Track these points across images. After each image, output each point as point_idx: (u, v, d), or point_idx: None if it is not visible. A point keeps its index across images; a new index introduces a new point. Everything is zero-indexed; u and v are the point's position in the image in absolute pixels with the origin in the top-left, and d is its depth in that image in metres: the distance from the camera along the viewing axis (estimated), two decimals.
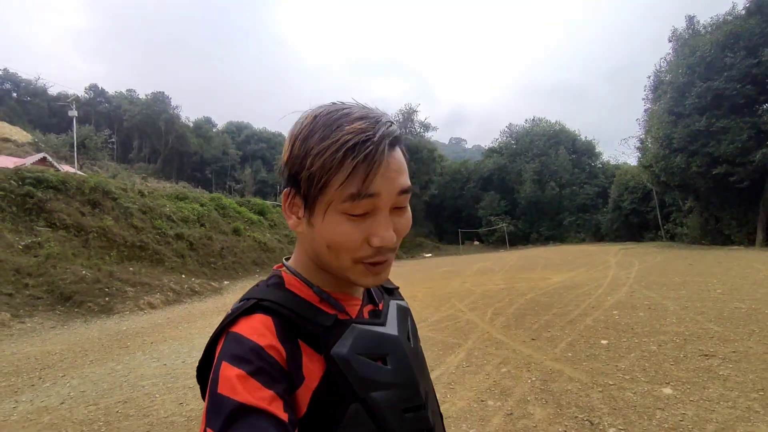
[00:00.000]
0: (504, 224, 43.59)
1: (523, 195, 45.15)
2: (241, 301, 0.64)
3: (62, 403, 4.45)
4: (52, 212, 13.72)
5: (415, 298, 10.03)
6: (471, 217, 48.33)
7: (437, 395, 3.18)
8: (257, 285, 0.69)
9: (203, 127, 69.59)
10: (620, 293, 8.63)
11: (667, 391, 3.67)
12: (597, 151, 49.73)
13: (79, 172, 22.46)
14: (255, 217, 25.62)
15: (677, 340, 5.07)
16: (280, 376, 0.55)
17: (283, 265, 0.72)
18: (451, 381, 4.15)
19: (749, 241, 18.67)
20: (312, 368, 0.59)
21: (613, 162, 47.31)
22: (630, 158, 35.88)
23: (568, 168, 45.37)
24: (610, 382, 3.94)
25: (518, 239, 44.27)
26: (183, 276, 14.98)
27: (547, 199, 44.79)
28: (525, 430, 3.09)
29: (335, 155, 0.55)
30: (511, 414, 3.35)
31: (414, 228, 43.32)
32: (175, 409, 4.07)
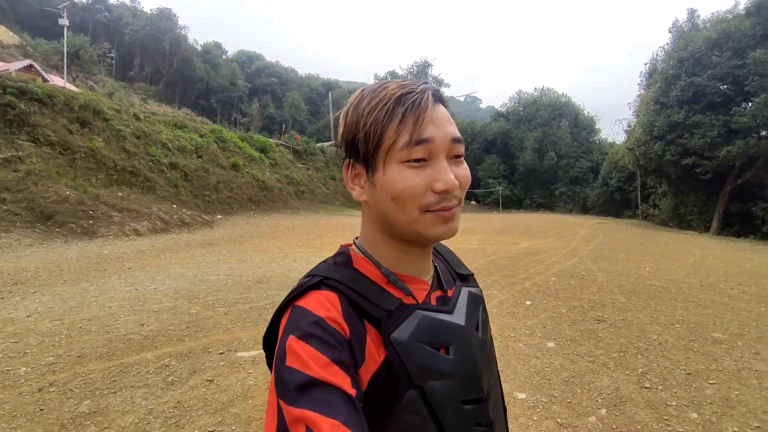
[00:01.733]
0: (500, 188, 43.79)
1: (522, 162, 44.99)
2: (306, 277, 0.61)
3: (28, 316, 4.55)
4: (36, 126, 12.42)
5: None
6: (472, 177, 48.19)
7: None
8: (324, 262, 0.65)
9: (212, 53, 61.95)
10: (568, 263, 9.14)
11: (551, 344, 4.25)
12: (597, 127, 48.88)
13: (69, 86, 20.47)
14: (256, 154, 24.29)
15: (585, 306, 5.63)
16: (345, 351, 0.53)
17: (353, 243, 0.68)
18: None
19: (705, 228, 19.19)
20: (374, 350, 0.56)
21: (609, 140, 46.65)
22: (621, 139, 35.47)
23: (567, 141, 44.89)
24: (512, 335, 4.52)
25: (512, 203, 44.59)
26: (174, 206, 14.20)
27: (544, 168, 44.62)
28: None
29: (385, 107, 0.57)
30: None
31: None
32: (135, 329, 4.27)
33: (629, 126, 23.52)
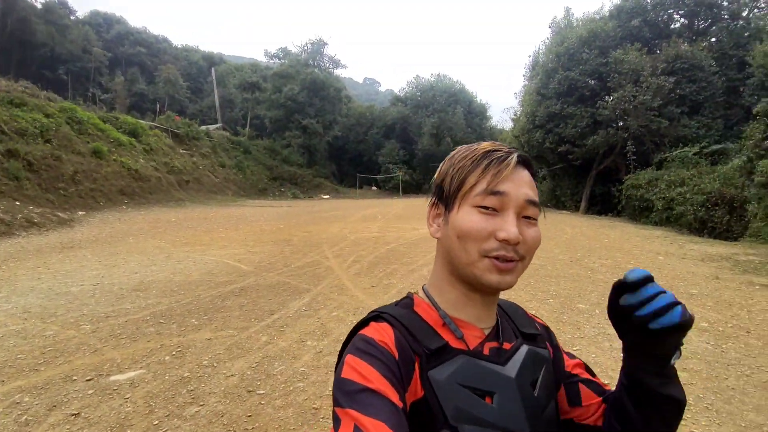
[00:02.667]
0: (400, 173, 45.13)
1: (420, 147, 46.78)
2: (368, 314, 0.69)
3: None
4: None
5: (290, 242, 10.42)
6: (372, 162, 49.13)
7: (267, 337, 3.65)
8: (391, 304, 0.74)
9: (56, 12, 50.31)
10: None
11: None
12: (488, 114, 52.59)
13: None
14: (125, 138, 21.66)
15: None
16: (396, 370, 0.59)
17: (422, 288, 0.76)
18: (284, 324, 4.66)
19: (576, 208, 22.27)
20: (418, 382, 0.62)
21: (499, 127, 50.60)
22: (509, 126, 38.83)
23: (462, 127, 47.62)
24: None
25: (412, 188, 46.25)
26: (17, 203, 12.34)
27: (441, 153, 46.80)
28: (326, 364, 3.69)
29: (472, 158, 0.66)
30: (321, 352, 3.95)
31: (315, 168, 43.04)
32: None
33: (515, 115, 25.81)
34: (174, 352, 3.89)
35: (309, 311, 5.12)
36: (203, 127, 34.91)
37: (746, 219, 11.79)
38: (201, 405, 2.98)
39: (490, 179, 0.64)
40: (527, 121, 21.87)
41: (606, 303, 0.65)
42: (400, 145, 48.75)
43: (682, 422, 2.77)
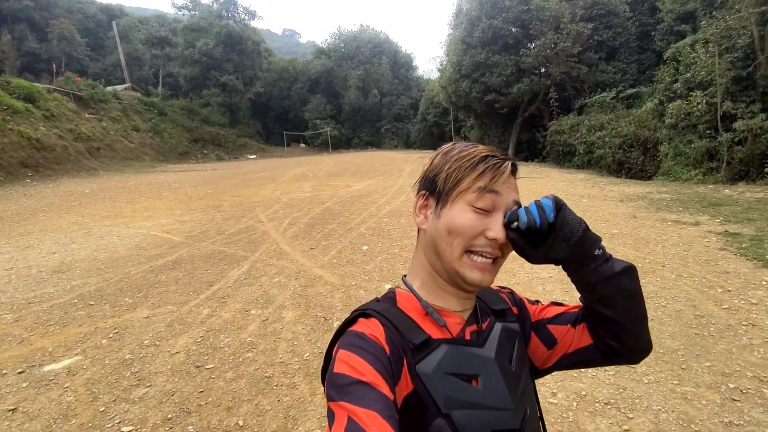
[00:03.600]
0: (328, 128, 44.21)
1: (347, 101, 45.85)
2: (353, 313, 0.71)
3: None
4: None
5: (220, 208, 10.03)
6: (298, 119, 47.58)
7: (208, 309, 3.56)
8: (373, 300, 0.76)
9: None
10: (397, 201, 9.98)
11: (388, 286, 4.67)
12: (414, 64, 52.26)
13: None
14: (19, 104, 19.34)
15: (414, 243, 6.30)
16: (387, 364, 0.61)
17: (402, 280, 0.78)
18: (225, 295, 4.58)
19: None
20: (407, 375, 0.64)
21: (425, 77, 50.59)
22: (435, 76, 38.94)
23: (388, 78, 47.09)
24: (353, 283, 4.85)
25: (341, 143, 45.65)
26: None
27: (368, 106, 46.32)
28: (273, 332, 3.72)
29: (471, 160, 0.69)
30: (267, 320, 3.97)
31: (238, 128, 40.99)
32: None
33: (441, 65, 25.86)
34: (111, 335, 3.73)
35: (249, 279, 5.07)
36: (110, 89, 31.50)
37: (658, 159, 12.81)
38: (148, 386, 2.93)
39: (487, 181, 0.67)
40: (453, 71, 21.96)
41: None
42: (326, 99, 47.46)
43: None
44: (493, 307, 0.80)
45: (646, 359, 3.04)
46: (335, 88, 47.85)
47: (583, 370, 2.96)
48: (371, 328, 0.65)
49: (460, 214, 0.67)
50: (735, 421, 2.39)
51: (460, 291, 0.72)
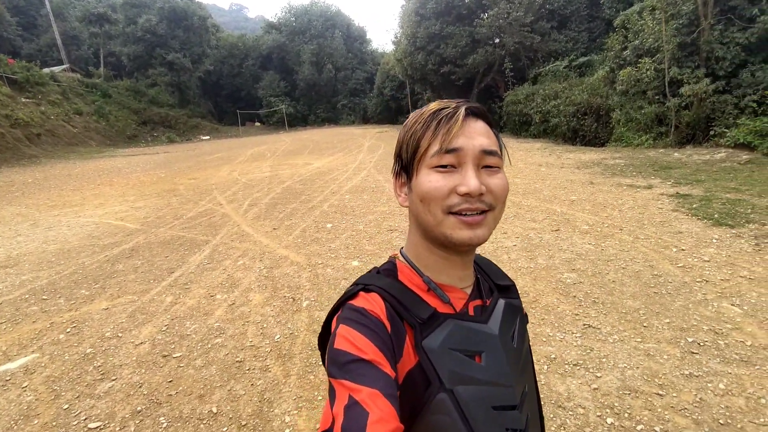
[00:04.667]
0: (283, 106, 42.97)
1: (302, 77, 44.54)
2: (352, 285, 0.69)
3: None
4: None
5: (176, 192, 9.63)
6: (251, 97, 45.92)
7: (171, 297, 3.42)
8: (370, 271, 0.73)
9: None
10: (359, 177, 9.91)
11: (355, 263, 4.70)
12: (368, 38, 51.16)
13: None
14: None
15: (379, 219, 6.31)
16: (388, 341, 0.60)
17: (399, 252, 0.75)
18: (188, 281, 4.43)
19: None
20: (411, 351, 0.62)
21: (380, 50, 49.70)
22: (390, 49, 38.38)
23: (342, 52, 45.94)
24: (320, 262, 4.80)
25: (297, 120, 44.55)
26: None
27: (323, 81, 45.19)
28: (241, 315, 3.65)
29: (423, 120, 0.65)
30: (234, 304, 3.88)
31: (189, 108, 39.18)
32: None
33: (396, 37, 25.42)
34: (68, 329, 3.54)
35: (212, 264, 4.92)
36: (46, 70, 29.05)
37: (611, 125, 13.14)
38: (113, 379, 2.82)
39: (442, 138, 0.62)
40: (408, 43, 21.62)
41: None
42: (279, 76, 45.89)
43: (575, 316, 3.28)
44: (498, 283, 0.79)
45: (611, 320, 3.20)
46: (288, 64, 46.27)
47: (551, 333, 3.09)
48: (372, 304, 0.63)
49: (425, 179, 0.63)
50: (695, 373, 2.55)
51: (459, 257, 0.69)
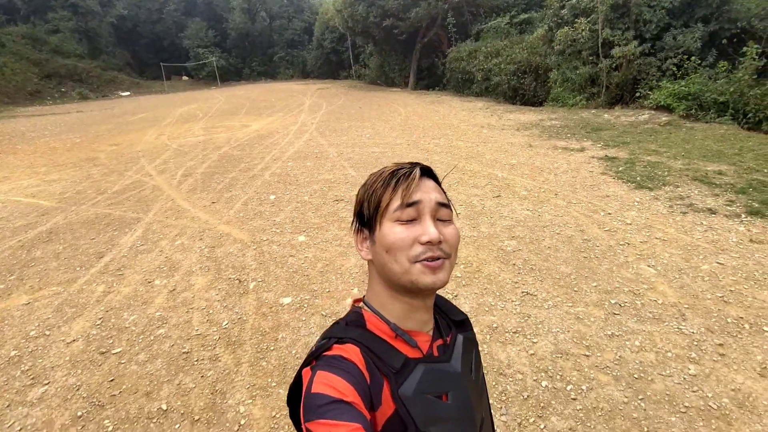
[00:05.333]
0: (214, 58, 40.25)
1: (233, 26, 41.64)
2: (322, 339, 0.72)
3: None
4: None
5: (96, 161, 8.92)
6: (176, 47, 42.46)
7: (103, 286, 3.24)
8: (336, 323, 0.77)
9: None
10: (301, 142, 9.65)
11: (302, 238, 4.66)
12: None
13: None
14: None
15: (324, 189, 6.23)
16: (366, 388, 0.64)
17: (362, 301, 0.80)
18: (121, 266, 4.21)
19: (405, 84, 22.97)
20: (389, 398, 0.67)
21: None
22: None
23: None
24: (265, 238, 4.71)
25: (230, 75, 42.04)
26: None
27: (257, 31, 42.58)
28: (184, 302, 3.54)
29: (382, 179, 0.73)
30: (174, 290, 3.75)
31: (102, 59, 35.78)
32: None
33: None
34: None
35: (147, 245, 4.69)
36: None
37: (548, 85, 13.62)
38: (46, 383, 2.68)
39: (403, 194, 0.70)
40: None
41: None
42: (207, 24, 42.57)
43: (515, 284, 3.48)
44: (454, 318, 0.87)
45: (546, 286, 3.45)
46: (216, 10, 42.96)
47: (493, 303, 3.29)
48: (348, 353, 0.68)
49: (390, 231, 0.70)
50: (616, 333, 2.86)
51: (422, 303, 0.76)
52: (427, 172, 0.76)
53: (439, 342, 0.79)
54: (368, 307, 0.78)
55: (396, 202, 0.70)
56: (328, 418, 0.56)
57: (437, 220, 0.72)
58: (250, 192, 6.28)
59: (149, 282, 3.89)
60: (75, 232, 5.13)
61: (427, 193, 0.72)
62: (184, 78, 41.74)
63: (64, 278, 4.04)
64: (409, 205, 0.70)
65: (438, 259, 0.69)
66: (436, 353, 0.77)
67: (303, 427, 0.59)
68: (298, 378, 0.70)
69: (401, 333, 0.73)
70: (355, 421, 0.56)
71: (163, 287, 3.78)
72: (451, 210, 0.75)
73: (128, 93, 31.80)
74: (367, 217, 0.74)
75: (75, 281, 3.97)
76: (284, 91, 25.14)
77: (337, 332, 0.73)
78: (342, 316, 0.80)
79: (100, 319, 3.35)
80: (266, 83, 36.68)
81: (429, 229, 0.69)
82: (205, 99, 23.32)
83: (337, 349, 0.68)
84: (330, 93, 21.77)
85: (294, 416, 0.76)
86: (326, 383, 0.61)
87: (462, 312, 0.90)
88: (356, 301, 0.82)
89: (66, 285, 3.91)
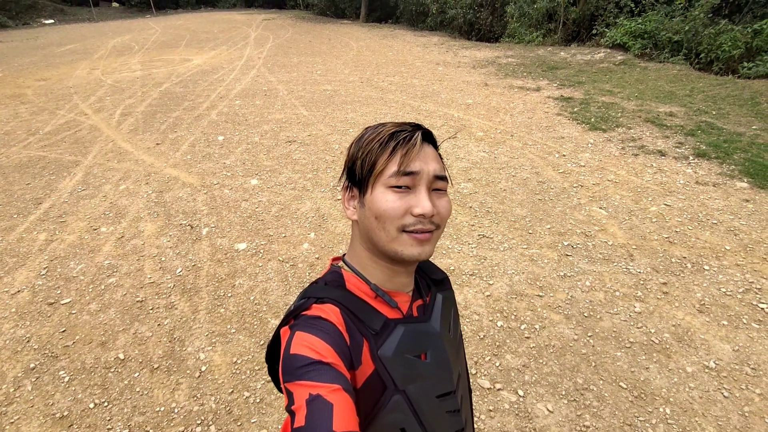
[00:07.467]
0: None
1: None
2: (300, 299, 0.70)
3: None
4: None
5: (23, 98, 8.03)
6: None
7: (45, 234, 3.02)
8: (315, 283, 0.74)
9: None
10: (248, 78, 9.05)
11: (254, 182, 4.51)
12: None
13: None
14: None
15: (275, 129, 5.97)
16: (345, 349, 0.63)
17: (342, 259, 0.77)
18: (62, 212, 3.93)
19: (356, 16, 21.66)
20: (369, 358, 0.66)
21: None
22: None
23: None
24: (215, 182, 4.52)
25: (167, 2, 37.97)
26: None
27: None
28: (134, 250, 3.40)
29: (380, 140, 0.67)
30: (123, 237, 3.57)
31: None
32: None
33: None
34: None
35: (89, 190, 4.39)
36: None
37: (505, 20, 13.18)
38: None
39: (400, 160, 0.66)
40: None
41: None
42: None
43: (471, 227, 3.56)
44: (434, 277, 0.85)
45: (501, 229, 3.56)
46: None
47: (450, 246, 3.37)
48: (327, 313, 0.66)
49: (381, 197, 0.66)
50: (567, 274, 3.02)
51: (402, 268, 0.73)
52: (428, 137, 0.71)
53: (419, 302, 0.78)
54: (348, 267, 0.76)
55: (392, 168, 0.66)
56: (307, 380, 0.55)
57: (432, 190, 0.69)
58: (196, 133, 5.92)
59: (95, 229, 3.68)
60: (7, 177, 4.71)
61: (426, 163, 0.67)
62: (114, 4, 37.40)
63: (1, 226, 3.75)
64: (407, 173, 0.66)
65: (427, 231, 0.67)
66: (415, 314, 0.76)
67: (282, 386, 0.58)
68: (277, 336, 0.69)
69: (381, 293, 0.72)
70: (334, 382, 0.56)
71: (110, 234, 3.60)
72: (447, 181, 0.72)
73: (52, 21, 28.22)
74: (358, 177, 0.70)
75: (13, 229, 3.70)
76: (227, 21, 23.12)
77: (316, 292, 0.71)
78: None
79: (45, 268, 3.18)
80: (207, 12, 33.52)
81: (423, 202, 0.65)
82: (140, 29, 21.12)
83: (316, 309, 0.66)
84: (277, 24, 20.27)
85: (272, 373, 0.76)
86: (305, 344, 0.59)
87: (442, 271, 0.89)
88: (335, 259, 0.80)
89: (4, 233, 3.64)
